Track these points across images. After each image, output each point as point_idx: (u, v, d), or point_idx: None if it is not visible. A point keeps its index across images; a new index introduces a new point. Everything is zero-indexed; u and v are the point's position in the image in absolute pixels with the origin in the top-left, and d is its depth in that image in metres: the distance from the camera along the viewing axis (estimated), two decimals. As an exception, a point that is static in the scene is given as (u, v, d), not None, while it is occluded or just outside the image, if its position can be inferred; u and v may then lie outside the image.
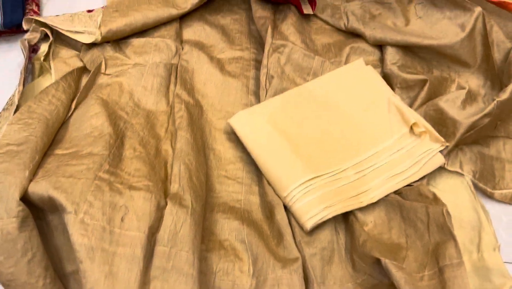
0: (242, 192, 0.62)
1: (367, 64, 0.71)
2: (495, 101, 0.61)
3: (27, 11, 0.74)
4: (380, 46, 0.75)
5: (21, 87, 0.62)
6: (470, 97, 0.67)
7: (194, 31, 0.76)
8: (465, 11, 0.72)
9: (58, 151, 0.55)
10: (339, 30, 0.79)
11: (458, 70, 0.73)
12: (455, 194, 0.62)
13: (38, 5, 0.76)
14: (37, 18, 0.68)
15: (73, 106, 0.61)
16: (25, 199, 0.47)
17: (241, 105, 0.70)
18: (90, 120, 0.58)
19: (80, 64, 0.69)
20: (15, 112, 0.59)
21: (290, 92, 0.67)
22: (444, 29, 0.73)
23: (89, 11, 0.74)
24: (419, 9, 0.80)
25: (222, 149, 0.65)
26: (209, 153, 0.64)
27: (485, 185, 0.64)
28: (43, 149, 0.53)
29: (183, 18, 0.76)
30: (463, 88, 0.68)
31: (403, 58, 0.72)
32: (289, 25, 0.73)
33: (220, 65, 0.73)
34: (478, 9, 0.70)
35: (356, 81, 0.67)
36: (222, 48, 0.75)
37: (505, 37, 0.71)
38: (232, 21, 0.79)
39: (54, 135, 0.57)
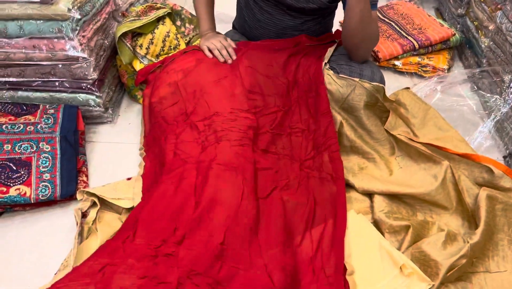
0: None
1: (358, 212, 0.84)
2: (468, 244, 0.73)
3: (79, 181, 0.91)
4: (370, 194, 0.89)
5: (75, 250, 0.75)
6: (450, 238, 0.78)
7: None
8: (436, 164, 0.87)
9: None
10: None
11: (439, 213, 0.85)
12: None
13: (87, 176, 0.94)
14: (88, 190, 0.85)
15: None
16: None
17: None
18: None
19: (121, 225, 0.83)
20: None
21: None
22: (421, 179, 0.88)
23: (128, 178, 0.91)
24: (399, 160, 0.95)
25: None
26: None
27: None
28: None
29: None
30: (443, 230, 0.80)
31: (389, 205, 0.85)
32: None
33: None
34: (446, 163, 0.86)
35: (350, 230, 0.80)
36: None
37: (472, 183, 0.85)
38: None
39: None
